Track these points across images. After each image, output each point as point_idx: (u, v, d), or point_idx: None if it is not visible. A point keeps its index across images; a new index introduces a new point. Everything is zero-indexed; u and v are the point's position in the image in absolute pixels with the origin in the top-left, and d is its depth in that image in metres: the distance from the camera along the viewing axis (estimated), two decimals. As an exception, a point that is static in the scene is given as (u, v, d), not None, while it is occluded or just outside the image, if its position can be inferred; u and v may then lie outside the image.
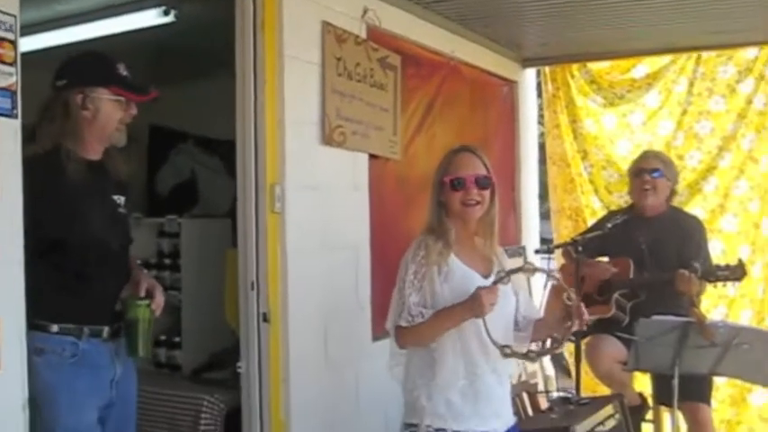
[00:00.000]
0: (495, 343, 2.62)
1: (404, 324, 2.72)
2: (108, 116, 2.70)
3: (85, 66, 2.75)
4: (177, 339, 4.70)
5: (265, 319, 3.59)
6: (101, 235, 2.71)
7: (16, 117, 2.42)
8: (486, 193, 2.83)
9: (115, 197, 2.85)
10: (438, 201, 2.86)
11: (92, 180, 2.70)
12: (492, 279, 2.81)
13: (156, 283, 2.86)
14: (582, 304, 2.70)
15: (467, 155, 2.88)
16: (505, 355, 2.65)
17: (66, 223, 2.60)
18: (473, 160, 2.86)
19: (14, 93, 2.42)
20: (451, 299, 2.70)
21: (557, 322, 2.77)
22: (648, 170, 4.34)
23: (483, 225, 2.88)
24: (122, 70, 2.75)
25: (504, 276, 2.66)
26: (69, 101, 2.67)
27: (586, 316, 2.67)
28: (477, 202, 2.81)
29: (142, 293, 2.75)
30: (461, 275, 2.76)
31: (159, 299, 2.79)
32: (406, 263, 2.78)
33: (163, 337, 4.74)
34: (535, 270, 2.96)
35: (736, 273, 3.89)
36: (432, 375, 2.73)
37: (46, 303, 2.52)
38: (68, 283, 2.64)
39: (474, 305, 2.58)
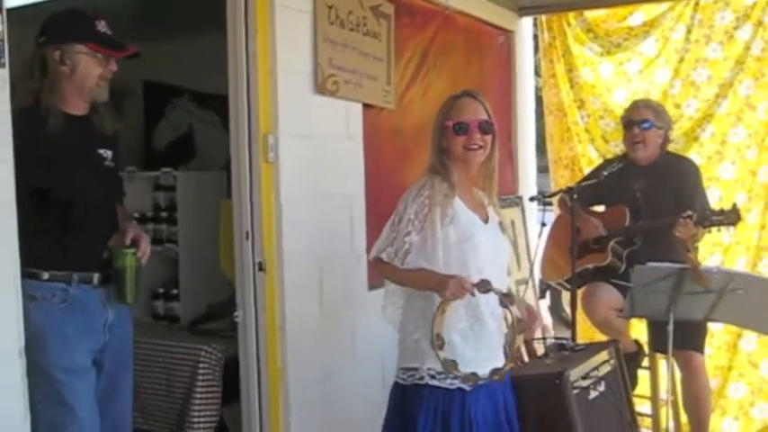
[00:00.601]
0: (435, 328, 2.62)
1: (384, 258, 2.74)
2: (86, 72, 2.77)
3: (64, 22, 2.80)
4: (175, 291, 4.73)
5: (261, 269, 3.60)
6: (83, 186, 2.78)
7: (3, 66, 2.41)
8: (489, 138, 2.84)
9: (101, 151, 2.91)
10: (439, 146, 2.86)
11: (74, 134, 2.77)
12: (490, 224, 2.84)
13: (141, 233, 2.93)
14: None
15: (469, 99, 2.89)
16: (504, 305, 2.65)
17: (47, 174, 2.66)
18: (475, 105, 2.87)
19: (1, 42, 2.41)
20: (455, 241, 2.73)
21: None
22: (638, 122, 4.33)
23: (484, 173, 2.89)
24: (101, 27, 2.80)
25: (485, 286, 2.63)
26: (47, 57, 2.74)
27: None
28: (480, 147, 2.82)
29: (127, 242, 2.85)
30: (467, 218, 2.78)
31: (144, 247, 2.88)
32: (406, 200, 2.78)
33: (161, 290, 4.78)
34: (511, 303, 2.75)
35: (731, 217, 3.90)
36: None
37: (35, 252, 2.56)
38: (55, 232, 2.71)
39: (441, 286, 2.61)
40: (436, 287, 2.63)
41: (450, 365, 2.63)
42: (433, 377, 2.75)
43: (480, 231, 2.78)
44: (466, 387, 2.73)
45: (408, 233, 2.73)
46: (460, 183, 2.84)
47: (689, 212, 3.90)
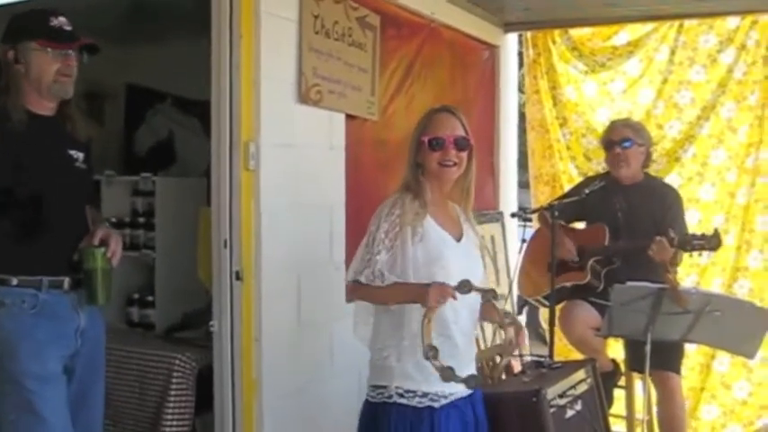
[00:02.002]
0: (425, 338, 2.56)
1: (363, 280, 2.71)
2: (40, 68, 2.74)
3: (18, 21, 2.80)
4: (150, 298, 4.67)
5: (238, 278, 3.57)
6: (50, 185, 2.74)
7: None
8: (464, 154, 2.81)
9: (72, 152, 2.88)
10: (415, 160, 2.83)
11: (40, 132, 2.74)
12: (464, 241, 2.81)
13: (111, 232, 2.88)
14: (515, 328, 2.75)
15: (446, 115, 2.85)
16: (426, 358, 2.56)
17: (10, 174, 2.62)
18: (452, 121, 2.83)
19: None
20: (425, 261, 2.69)
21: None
22: (618, 141, 4.34)
23: (458, 188, 2.86)
24: (56, 22, 2.77)
25: (466, 287, 2.59)
26: (5, 57, 2.74)
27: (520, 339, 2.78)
28: (455, 163, 2.79)
29: (95, 242, 2.79)
30: (437, 237, 2.75)
31: (114, 246, 2.82)
32: (378, 219, 2.75)
33: (136, 296, 4.72)
34: (494, 300, 2.75)
35: (712, 242, 3.92)
36: (401, 336, 2.72)
37: (3, 256, 2.55)
38: (21, 234, 2.67)
39: (422, 296, 2.56)
40: (417, 298, 2.59)
41: (447, 373, 2.60)
42: (401, 395, 2.71)
43: (451, 250, 2.74)
44: (435, 405, 2.71)
45: (379, 252, 2.70)
46: (434, 200, 2.81)
47: (671, 234, 3.90)
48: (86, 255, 2.77)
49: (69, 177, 2.85)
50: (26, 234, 2.68)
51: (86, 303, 2.82)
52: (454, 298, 2.58)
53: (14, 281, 2.67)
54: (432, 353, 2.56)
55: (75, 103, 2.92)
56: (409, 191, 2.79)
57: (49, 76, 2.75)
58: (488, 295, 2.65)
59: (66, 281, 2.77)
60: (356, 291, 2.77)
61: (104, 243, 2.81)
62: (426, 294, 2.55)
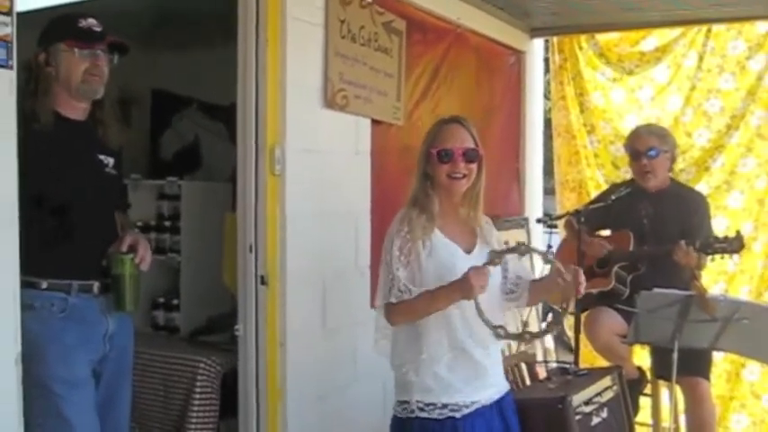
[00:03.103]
0: (487, 323, 2.56)
1: (394, 301, 2.68)
2: (68, 68, 2.76)
3: (51, 26, 2.83)
4: (176, 302, 4.70)
5: (263, 282, 3.57)
6: (80, 189, 2.75)
7: (11, 68, 2.41)
8: (474, 166, 2.78)
9: (102, 157, 2.89)
10: (424, 171, 2.82)
11: (69, 136, 2.77)
12: (475, 253, 2.78)
13: (140, 238, 2.89)
14: (579, 276, 2.64)
15: (455, 126, 2.83)
16: (498, 336, 2.60)
17: (40, 177, 2.62)
18: (461, 132, 2.80)
19: (10, 43, 2.41)
20: (435, 274, 2.66)
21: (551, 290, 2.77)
22: (644, 152, 4.28)
23: (468, 198, 2.83)
24: (84, 24, 2.80)
25: (496, 257, 2.60)
26: (33, 61, 2.75)
27: (582, 286, 2.63)
28: (464, 176, 2.76)
29: (124, 248, 2.80)
30: (445, 250, 2.73)
31: (143, 253, 2.83)
32: (390, 238, 2.73)
33: (161, 300, 4.74)
34: (529, 251, 2.84)
35: (734, 245, 3.87)
36: (418, 350, 2.69)
37: (33, 260, 2.52)
38: (52, 238, 2.68)
39: (464, 286, 2.52)
40: (460, 293, 2.55)
41: (524, 336, 2.64)
42: (422, 409, 2.69)
43: (461, 262, 2.67)
44: (456, 415, 2.67)
45: (398, 268, 2.68)
46: (443, 211, 2.78)
47: (684, 242, 3.87)
48: (115, 260, 2.78)
49: (99, 182, 2.86)
50: (55, 238, 2.69)
51: (114, 309, 2.82)
52: (490, 272, 2.56)
53: (44, 284, 2.67)
54: (501, 331, 2.58)
55: (109, 107, 2.94)
56: (416, 205, 2.77)
57: (78, 76, 2.77)
58: (523, 249, 2.66)
59: (96, 285, 2.78)
60: (395, 312, 2.72)
61: (133, 249, 2.82)
62: (468, 282, 2.51)
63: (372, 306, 3.91)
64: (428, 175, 2.80)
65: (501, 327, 2.59)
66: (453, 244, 2.75)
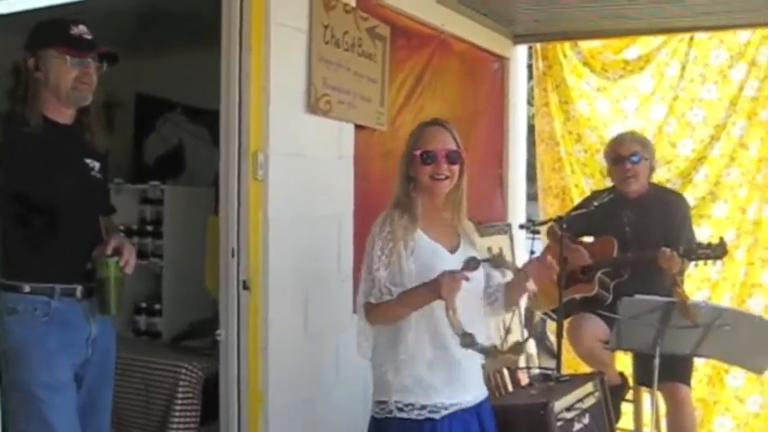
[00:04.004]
0: (455, 327, 2.54)
1: (373, 301, 2.69)
2: (58, 75, 2.75)
3: (41, 30, 2.82)
4: (158, 307, 4.67)
5: (245, 287, 3.56)
6: (66, 192, 2.74)
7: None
8: (456, 168, 2.81)
9: (88, 161, 2.89)
10: (407, 174, 2.83)
11: (57, 139, 2.76)
12: (459, 252, 2.79)
13: (125, 242, 2.89)
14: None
15: (437, 128, 2.86)
16: (465, 345, 2.56)
17: (26, 180, 2.63)
18: (444, 134, 2.83)
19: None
20: (418, 274, 2.67)
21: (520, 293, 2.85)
22: (628, 156, 4.31)
23: (450, 200, 2.86)
24: (76, 30, 2.79)
25: (472, 263, 2.60)
26: (22, 65, 2.76)
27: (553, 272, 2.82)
28: (447, 177, 2.79)
29: (108, 251, 2.79)
30: (428, 251, 2.74)
31: (127, 256, 2.82)
32: (372, 238, 2.76)
33: (143, 304, 4.72)
34: (504, 264, 2.86)
35: (717, 251, 3.90)
36: (398, 351, 2.70)
37: (16, 263, 2.54)
38: (36, 241, 2.68)
39: (434, 288, 2.53)
40: (432, 295, 2.56)
41: (490, 351, 2.61)
42: (400, 410, 2.70)
43: (445, 262, 2.69)
44: (435, 417, 2.68)
45: (378, 269, 2.69)
46: (425, 213, 2.80)
47: (669, 249, 3.89)
48: (100, 264, 2.77)
49: (85, 186, 2.86)
50: (41, 240, 2.68)
51: (98, 313, 2.82)
52: (467, 279, 2.55)
53: (27, 288, 2.66)
54: (468, 340, 2.54)
55: (95, 113, 2.93)
56: (398, 207, 2.79)
57: (68, 83, 2.76)
58: (498, 261, 2.69)
59: (79, 289, 2.78)
60: (373, 312, 2.74)
61: (117, 252, 2.81)
62: (438, 288, 2.53)
63: (355, 311, 3.94)
64: (411, 177, 2.83)
65: (470, 335, 2.55)
66: (437, 244, 2.77)
